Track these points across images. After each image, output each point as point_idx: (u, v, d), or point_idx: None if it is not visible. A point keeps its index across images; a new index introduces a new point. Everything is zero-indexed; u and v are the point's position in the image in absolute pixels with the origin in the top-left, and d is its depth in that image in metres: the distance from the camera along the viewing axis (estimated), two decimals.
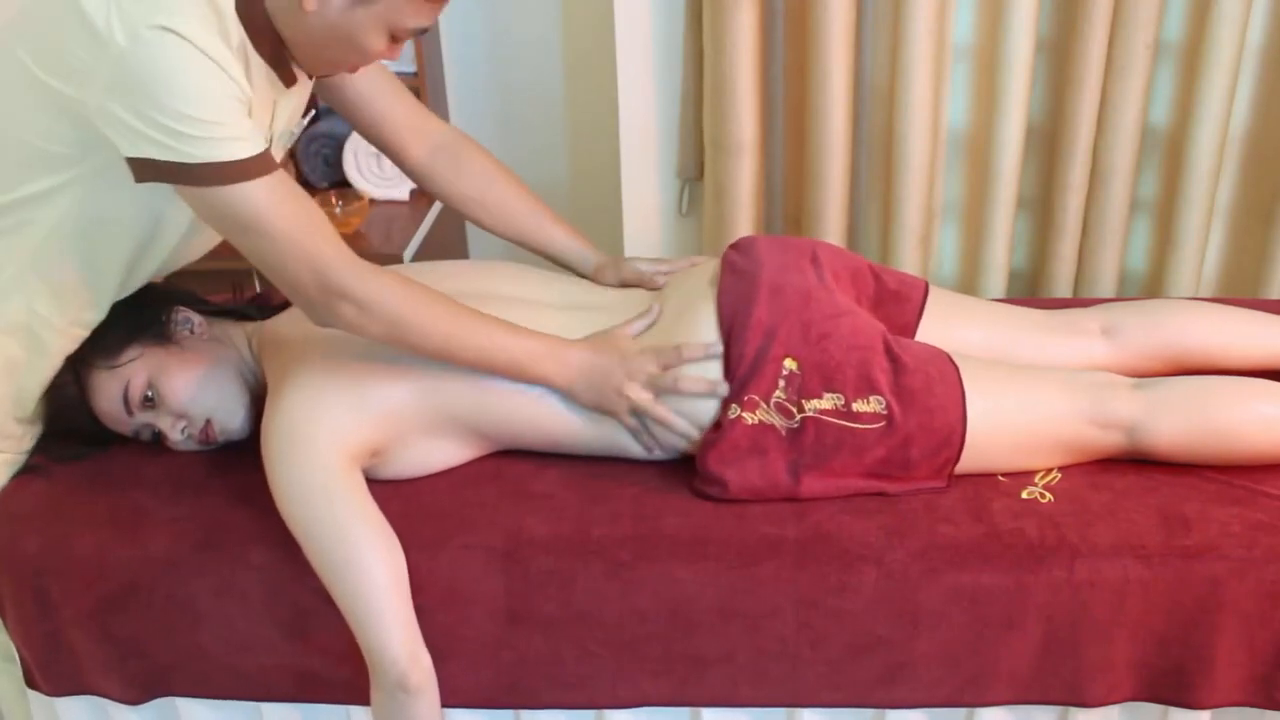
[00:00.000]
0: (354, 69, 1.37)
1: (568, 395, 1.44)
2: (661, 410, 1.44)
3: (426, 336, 1.37)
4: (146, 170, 1.23)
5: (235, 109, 1.23)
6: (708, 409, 1.44)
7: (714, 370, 1.43)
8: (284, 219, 1.27)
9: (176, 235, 1.43)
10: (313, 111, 1.58)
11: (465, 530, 1.41)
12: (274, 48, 1.31)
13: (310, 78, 1.45)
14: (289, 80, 1.37)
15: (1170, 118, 2.26)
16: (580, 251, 1.68)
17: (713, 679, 1.43)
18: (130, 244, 1.41)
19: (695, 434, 1.45)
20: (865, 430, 1.41)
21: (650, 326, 1.51)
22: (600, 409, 1.45)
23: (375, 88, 1.58)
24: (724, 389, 1.42)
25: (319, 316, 1.34)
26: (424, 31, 1.31)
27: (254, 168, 1.24)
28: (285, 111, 1.42)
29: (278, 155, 1.42)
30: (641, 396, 1.43)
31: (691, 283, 1.56)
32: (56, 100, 1.24)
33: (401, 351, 1.40)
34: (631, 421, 1.45)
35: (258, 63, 1.30)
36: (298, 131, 1.54)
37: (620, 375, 1.43)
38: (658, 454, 1.48)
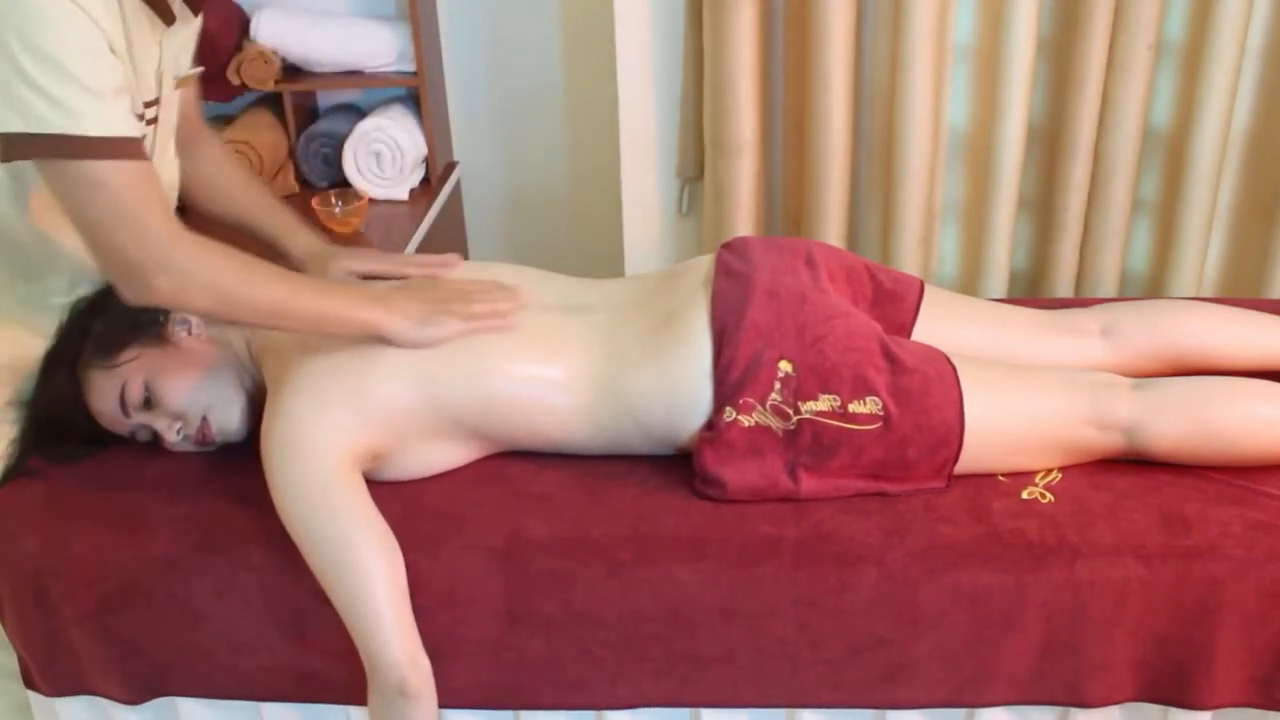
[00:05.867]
0: None
1: (398, 324, 1.42)
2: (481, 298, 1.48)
3: (255, 305, 1.36)
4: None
5: (100, 67, 1.24)
6: (698, 411, 1.43)
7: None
8: (130, 193, 1.27)
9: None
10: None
11: (465, 530, 1.41)
12: None
13: (195, 13, 1.51)
14: (168, 18, 1.42)
15: (1171, 118, 2.26)
16: (292, 230, 1.68)
17: (713, 679, 1.43)
18: None
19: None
20: (862, 431, 1.41)
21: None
22: (430, 319, 1.44)
23: (185, 96, 1.65)
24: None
25: (135, 291, 1.31)
26: None
27: (120, 148, 1.25)
28: (172, 48, 1.48)
29: (167, 89, 1.50)
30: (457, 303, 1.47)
31: (684, 284, 1.55)
32: None
33: (232, 323, 1.42)
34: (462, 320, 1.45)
35: (132, 4, 1.34)
36: (188, 67, 1.59)
37: (429, 292, 1.48)
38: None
